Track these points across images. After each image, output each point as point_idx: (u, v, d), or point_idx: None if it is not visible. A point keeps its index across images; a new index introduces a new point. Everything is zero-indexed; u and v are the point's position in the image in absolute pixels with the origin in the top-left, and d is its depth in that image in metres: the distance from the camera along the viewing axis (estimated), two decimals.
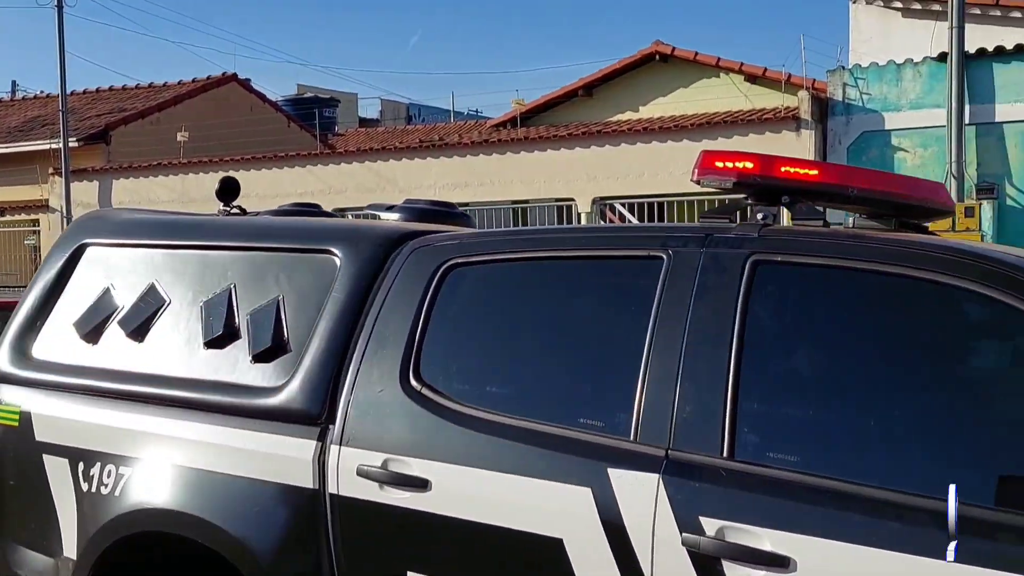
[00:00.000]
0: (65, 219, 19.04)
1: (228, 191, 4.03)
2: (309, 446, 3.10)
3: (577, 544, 2.68)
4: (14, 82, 29.04)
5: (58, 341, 3.77)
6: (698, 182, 3.02)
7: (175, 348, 3.51)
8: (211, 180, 18.40)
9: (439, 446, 2.95)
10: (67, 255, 3.90)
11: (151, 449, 3.38)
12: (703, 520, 2.54)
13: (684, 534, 2.55)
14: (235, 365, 3.35)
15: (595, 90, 17.70)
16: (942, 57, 13.24)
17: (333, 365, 3.16)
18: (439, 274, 3.17)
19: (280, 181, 18.02)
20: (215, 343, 3.40)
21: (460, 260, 3.18)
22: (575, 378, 3.01)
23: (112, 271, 3.79)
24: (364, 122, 36.81)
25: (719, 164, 2.95)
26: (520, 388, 3.07)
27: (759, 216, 2.93)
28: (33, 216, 20.26)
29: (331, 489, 3.04)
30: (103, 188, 19.40)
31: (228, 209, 3.98)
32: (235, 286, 3.46)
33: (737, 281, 2.73)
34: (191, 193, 18.73)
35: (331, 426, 3.10)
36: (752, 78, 16.06)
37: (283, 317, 3.32)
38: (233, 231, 3.70)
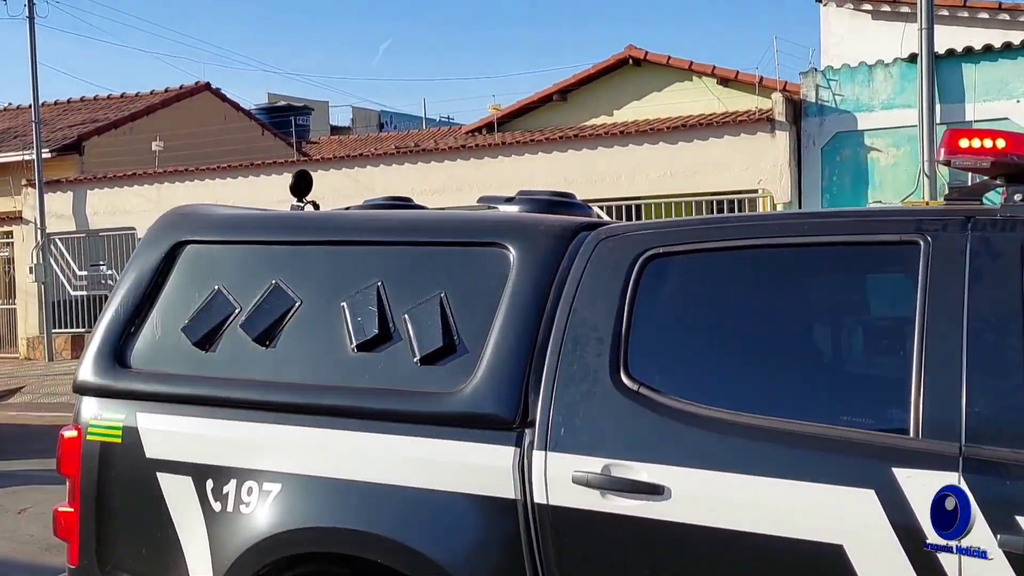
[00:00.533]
0: (39, 230, 18.84)
1: (303, 186, 3.84)
2: (507, 452, 2.86)
3: (862, 549, 2.50)
4: None
5: (162, 348, 3.45)
6: (948, 163, 2.83)
7: (315, 352, 3.23)
8: (186, 189, 18.32)
9: (673, 449, 2.73)
10: (162, 254, 3.54)
11: (302, 462, 3.09)
12: (1021, 520, 2.38)
13: (1000, 536, 2.39)
14: (395, 368, 3.08)
15: (570, 95, 17.74)
16: (912, 58, 13.39)
17: (523, 365, 2.91)
18: (638, 265, 2.95)
19: (257, 189, 17.90)
20: (367, 345, 3.13)
21: (662, 250, 2.97)
22: (826, 373, 2.85)
23: (220, 271, 3.49)
24: (336, 130, 36.67)
25: (965, 143, 2.76)
26: (759, 386, 2.88)
27: (1016, 197, 2.72)
28: (6, 228, 20.00)
29: (537, 498, 2.81)
30: (77, 199, 19.20)
31: (301, 204, 3.79)
32: (383, 284, 3.18)
33: (1018, 265, 2.58)
34: (166, 203, 18.52)
35: (527, 430, 2.87)
36: (725, 81, 16.16)
37: (450, 315, 3.06)
38: (378, 226, 3.43)
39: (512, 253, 3.07)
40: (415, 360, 3.06)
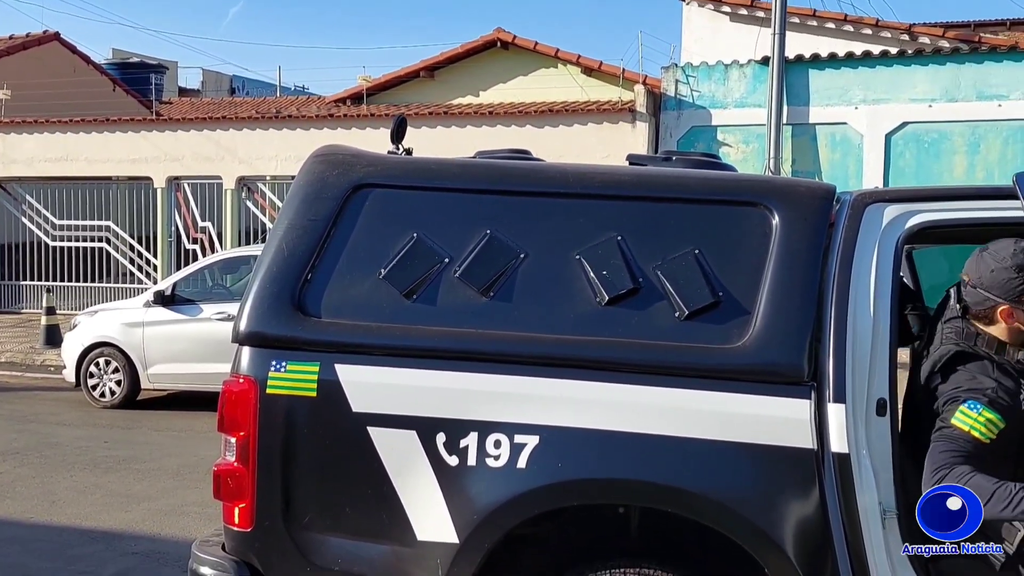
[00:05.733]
0: None
1: (401, 132, 3.63)
2: (801, 405, 2.84)
3: None
4: None
5: (357, 297, 3.12)
6: None
7: (552, 305, 3.03)
8: (35, 141, 17.06)
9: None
10: (339, 198, 3.21)
11: (564, 414, 2.90)
12: None
13: None
14: (653, 322, 2.95)
15: (437, 72, 17.45)
16: (765, 60, 13.82)
17: (810, 323, 2.89)
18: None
19: (110, 145, 16.85)
20: (618, 300, 2.98)
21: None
22: None
23: (416, 218, 3.20)
24: (184, 91, 34.99)
25: None
26: None
27: None
28: None
29: (836, 448, 2.82)
30: None
31: (397, 150, 3.56)
32: (622, 238, 3.05)
33: None
34: (12, 154, 17.24)
35: (815, 383, 2.87)
36: (589, 70, 16.23)
37: (710, 272, 2.97)
38: (612, 180, 3.25)
39: (776, 213, 3.03)
40: (677, 315, 2.95)
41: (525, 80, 16.68)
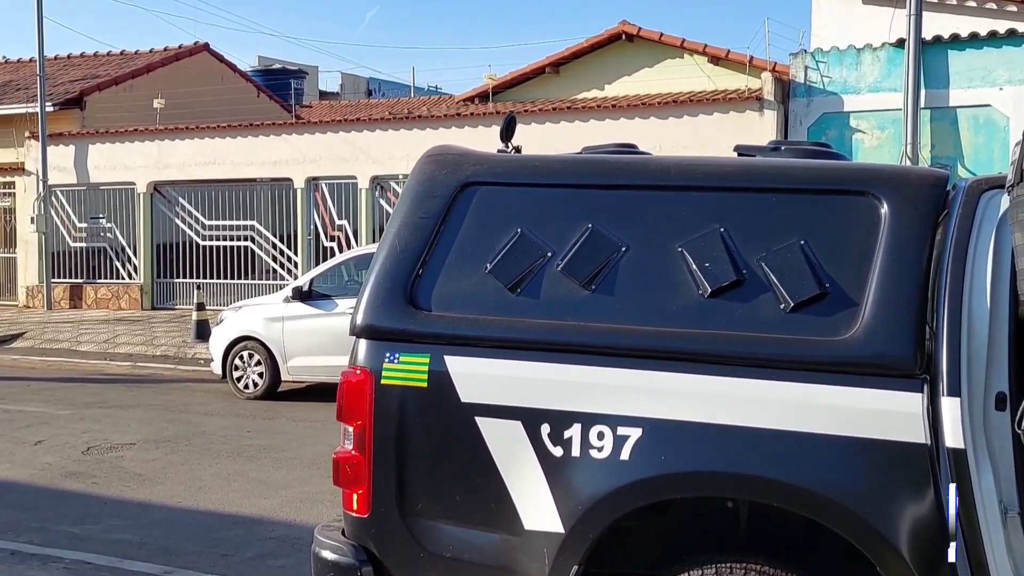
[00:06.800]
0: (41, 182, 18.41)
1: (510, 130, 3.71)
2: (913, 398, 2.74)
3: None
4: None
5: (465, 291, 3.18)
6: None
7: (654, 297, 3.02)
8: (187, 147, 17.92)
9: None
10: (448, 196, 3.27)
11: (669, 407, 2.88)
12: None
13: None
14: (757, 314, 2.91)
15: (562, 68, 17.43)
16: (900, 43, 13.23)
17: (920, 314, 2.80)
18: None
19: (254, 149, 17.55)
20: (721, 292, 2.95)
21: None
22: None
23: (520, 214, 3.24)
24: (324, 95, 36.12)
25: None
26: None
27: None
28: (9, 179, 19.51)
29: (951, 443, 2.70)
30: (79, 152, 18.74)
31: (507, 148, 3.65)
32: (725, 230, 3.02)
33: None
34: (167, 159, 18.17)
35: (927, 376, 2.76)
36: (715, 59, 15.91)
37: (816, 263, 2.92)
38: (714, 172, 3.22)
39: (885, 202, 2.95)
40: (783, 307, 2.90)
41: (650, 72, 16.48)
